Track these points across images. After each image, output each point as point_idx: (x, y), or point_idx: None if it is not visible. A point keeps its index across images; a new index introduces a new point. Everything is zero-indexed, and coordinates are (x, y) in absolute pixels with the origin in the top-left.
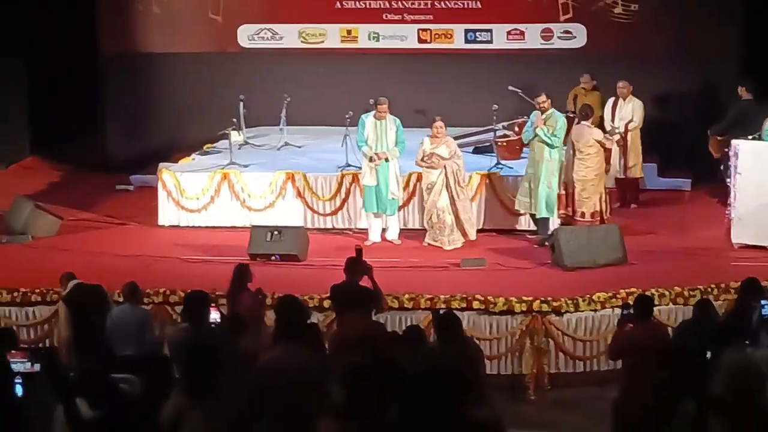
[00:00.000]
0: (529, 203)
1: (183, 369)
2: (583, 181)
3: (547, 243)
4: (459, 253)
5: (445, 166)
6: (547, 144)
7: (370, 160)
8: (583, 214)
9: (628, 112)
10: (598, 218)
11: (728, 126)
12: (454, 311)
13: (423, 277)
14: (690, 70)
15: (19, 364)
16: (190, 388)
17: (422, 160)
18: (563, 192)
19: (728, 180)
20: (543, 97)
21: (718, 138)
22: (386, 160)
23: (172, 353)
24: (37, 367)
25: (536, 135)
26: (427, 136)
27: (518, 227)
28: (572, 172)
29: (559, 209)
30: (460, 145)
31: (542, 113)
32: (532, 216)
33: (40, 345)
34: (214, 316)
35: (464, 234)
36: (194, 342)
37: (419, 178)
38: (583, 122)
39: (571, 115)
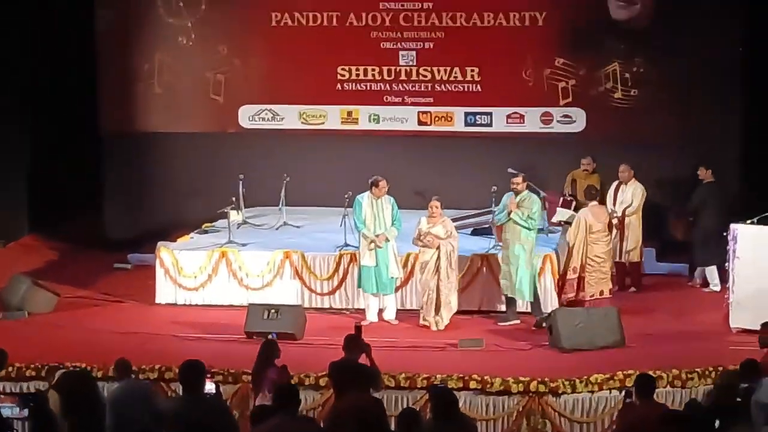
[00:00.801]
0: (510, 286)
1: None
2: (598, 262)
3: (544, 324)
4: (457, 334)
5: (439, 246)
6: (524, 227)
7: (371, 243)
8: (602, 292)
9: (628, 196)
10: (610, 295)
11: (693, 209)
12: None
13: (420, 357)
14: (689, 155)
15: (8, 409)
16: None
17: (418, 238)
18: (574, 275)
19: (726, 264)
20: (519, 179)
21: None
22: (386, 240)
23: (170, 423)
24: (25, 412)
25: (509, 218)
26: (424, 215)
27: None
28: (584, 254)
29: (567, 292)
30: (459, 227)
31: (516, 195)
32: (509, 298)
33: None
34: (210, 386)
35: (440, 318)
36: (191, 412)
37: (416, 258)
38: (591, 203)
39: (569, 198)
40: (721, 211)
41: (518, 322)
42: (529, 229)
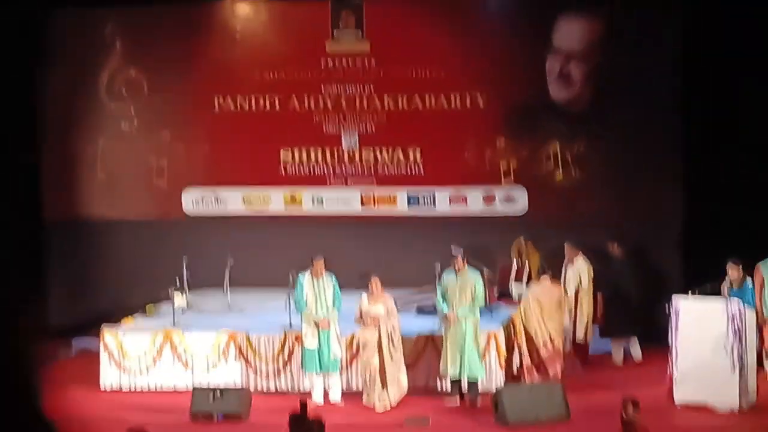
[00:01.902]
0: (459, 369)
1: None
2: (554, 339)
3: (478, 400)
4: (402, 413)
5: (379, 325)
6: (472, 310)
7: (316, 324)
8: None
9: (576, 274)
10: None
11: (607, 286)
12: None
13: None
14: (632, 234)
15: None
16: None
17: (360, 317)
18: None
19: (668, 338)
20: (459, 260)
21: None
22: (328, 324)
23: None
24: None
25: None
26: (365, 293)
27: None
28: (539, 329)
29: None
30: (403, 307)
31: (457, 275)
32: (454, 381)
33: None
34: None
35: (387, 396)
36: None
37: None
38: (542, 278)
39: (520, 268)
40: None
41: (459, 403)
42: (480, 310)
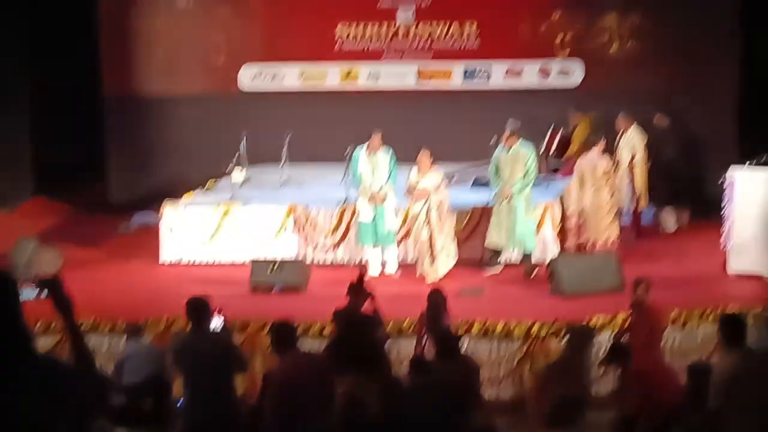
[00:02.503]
0: (503, 238)
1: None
2: (597, 211)
3: (535, 272)
4: (457, 284)
5: (429, 198)
6: (525, 185)
7: (369, 198)
8: (604, 243)
9: (629, 144)
10: (615, 246)
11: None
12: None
13: (423, 306)
14: (687, 107)
15: (27, 294)
16: None
17: (409, 191)
18: (573, 223)
19: (723, 209)
20: (507, 133)
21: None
22: (383, 199)
23: (177, 357)
24: (44, 294)
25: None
26: (414, 167)
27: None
28: (583, 201)
29: (567, 239)
30: (460, 180)
31: (509, 150)
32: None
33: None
34: (217, 322)
35: (436, 268)
36: (197, 345)
37: None
38: (591, 152)
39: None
40: (679, 154)
41: (501, 270)
42: (529, 181)
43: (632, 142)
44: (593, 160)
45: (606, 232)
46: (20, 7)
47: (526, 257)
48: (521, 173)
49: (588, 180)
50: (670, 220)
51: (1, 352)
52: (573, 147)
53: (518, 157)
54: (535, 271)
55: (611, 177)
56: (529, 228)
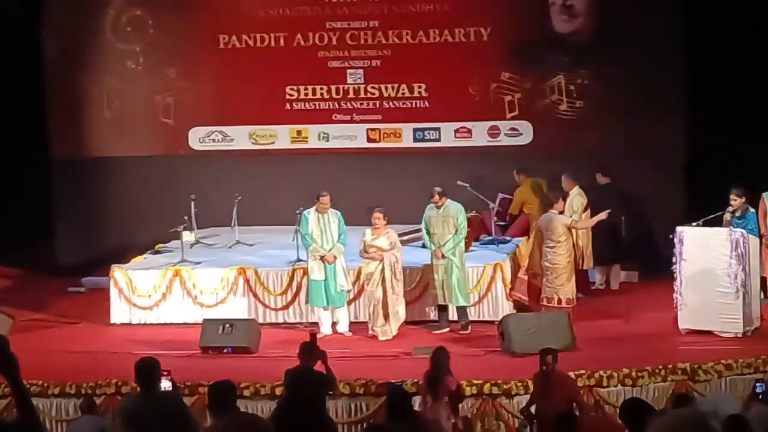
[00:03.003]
0: (444, 295)
1: None
2: (555, 269)
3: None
4: (408, 342)
5: (383, 258)
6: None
7: (321, 258)
8: (559, 301)
9: (569, 206)
10: (573, 305)
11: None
12: None
13: (374, 366)
14: (634, 165)
15: None
16: None
17: (364, 251)
18: (524, 278)
19: (673, 267)
20: (436, 197)
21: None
22: (334, 258)
23: (125, 420)
24: None
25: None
26: (368, 228)
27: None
28: (540, 259)
29: (522, 297)
30: (410, 240)
31: (438, 209)
32: (442, 306)
33: None
34: (166, 384)
35: (389, 327)
36: (146, 408)
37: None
38: (550, 211)
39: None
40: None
41: (448, 330)
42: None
43: (571, 204)
44: (551, 219)
45: (563, 290)
46: None
47: (461, 312)
48: (452, 231)
49: (546, 239)
50: (615, 278)
51: None
52: (513, 207)
53: (448, 216)
54: (469, 326)
55: (569, 236)
56: (464, 281)
